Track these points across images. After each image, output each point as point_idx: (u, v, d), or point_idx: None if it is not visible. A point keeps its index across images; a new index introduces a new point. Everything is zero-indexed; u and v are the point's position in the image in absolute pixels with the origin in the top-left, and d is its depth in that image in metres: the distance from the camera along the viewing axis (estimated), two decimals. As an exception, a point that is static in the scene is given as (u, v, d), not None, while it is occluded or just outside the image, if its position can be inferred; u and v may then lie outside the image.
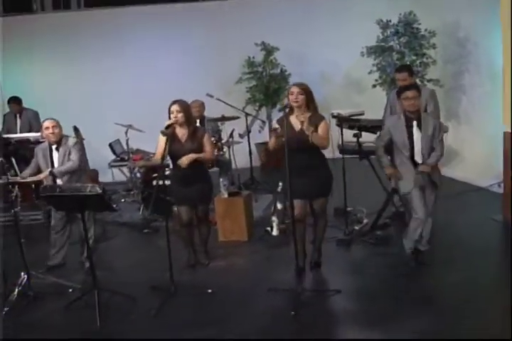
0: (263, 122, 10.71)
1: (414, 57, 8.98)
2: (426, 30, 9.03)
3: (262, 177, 9.94)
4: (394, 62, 9.09)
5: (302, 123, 5.35)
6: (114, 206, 6.25)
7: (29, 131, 9.04)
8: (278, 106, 10.64)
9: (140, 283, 5.93)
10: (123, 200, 9.07)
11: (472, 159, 9.02)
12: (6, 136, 8.97)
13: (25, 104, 9.51)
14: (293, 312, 5.00)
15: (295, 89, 5.49)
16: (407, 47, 9.01)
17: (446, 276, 5.61)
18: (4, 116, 9.72)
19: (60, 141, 6.18)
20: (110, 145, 9.07)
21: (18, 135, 8.85)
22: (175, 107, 5.89)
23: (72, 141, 6.26)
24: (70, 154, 6.14)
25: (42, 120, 6.49)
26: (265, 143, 10.77)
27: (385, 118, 7.15)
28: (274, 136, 5.49)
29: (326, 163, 5.73)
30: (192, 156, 5.86)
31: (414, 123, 5.57)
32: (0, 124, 9.74)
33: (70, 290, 5.75)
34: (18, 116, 9.48)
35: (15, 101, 9.48)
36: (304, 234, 5.85)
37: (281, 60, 10.64)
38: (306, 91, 5.50)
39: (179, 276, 5.74)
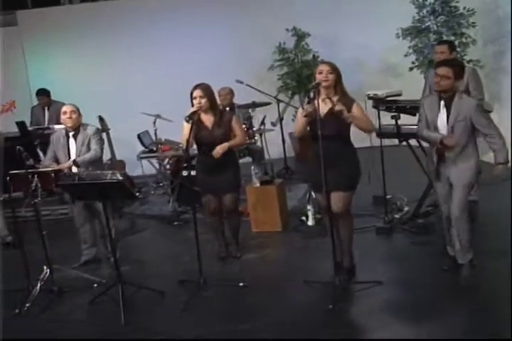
0: (297, 109, 10.32)
1: (452, 38, 8.52)
2: (464, 8, 8.57)
3: (297, 167, 9.59)
4: (431, 43, 8.64)
5: (340, 111, 4.80)
6: (138, 194, 5.96)
7: (57, 124, 8.80)
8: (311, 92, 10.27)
9: (169, 276, 5.72)
10: (153, 193, 8.81)
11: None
12: (33, 127, 8.83)
13: (53, 97, 9.30)
14: (330, 306, 4.67)
15: (324, 67, 5.00)
16: (444, 27, 8.55)
17: (494, 267, 5.20)
18: (32, 108, 9.51)
19: (78, 129, 5.93)
20: (139, 136, 8.80)
21: (47, 126, 8.70)
22: (197, 92, 5.54)
23: (91, 129, 5.99)
24: (89, 143, 5.88)
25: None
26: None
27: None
28: (300, 117, 5.01)
29: (355, 153, 5.19)
30: (225, 145, 5.55)
31: (442, 103, 4.94)
32: (28, 117, 9.51)
33: (95, 285, 5.52)
34: (46, 108, 9.28)
35: (43, 93, 9.27)
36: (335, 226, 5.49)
37: (313, 45, 10.22)
38: (336, 70, 5.01)
39: (209, 269, 5.47)
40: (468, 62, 8.42)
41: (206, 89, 5.59)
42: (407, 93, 6.74)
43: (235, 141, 5.68)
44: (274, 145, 8.88)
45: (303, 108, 5.00)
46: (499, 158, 4.93)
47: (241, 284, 5.24)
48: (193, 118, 5.38)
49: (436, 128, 4.99)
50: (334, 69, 5.00)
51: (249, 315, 4.77)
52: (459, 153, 4.91)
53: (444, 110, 4.94)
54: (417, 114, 5.39)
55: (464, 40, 8.51)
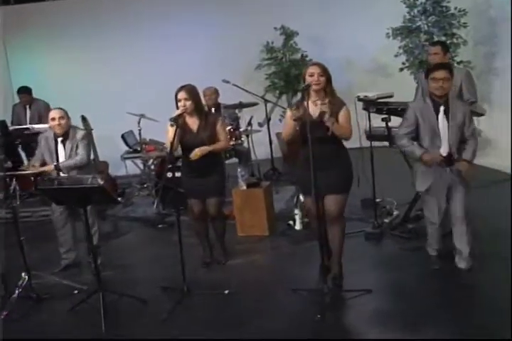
0: (284, 109, 10.15)
1: (443, 38, 8.39)
2: (456, 8, 8.45)
3: (284, 168, 9.43)
4: (422, 43, 8.53)
5: (323, 113, 4.65)
6: (119, 199, 5.78)
7: (39, 123, 8.59)
8: (299, 94, 10.09)
9: (152, 282, 5.52)
10: (137, 194, 8.61)
11: (506, 146, 8.42)
12: (14, 127, 8.60)
13: (35, 95, 9.08)
14: (319, 316, 4.49)
15: (315, 70, 4.79)
16: (436, 27, 8.42)
17: (488, 274, 5.05)
18: (13, 106, 9.30)
19: (67, 133, 5.72)
20: (123, 136, 8.62)
21: (28, 126, 8.47)
22: (182, 94, 5.34)
23: (80, 133, 5.78)
24: (77, 148, 5.69)
25: (52, 111, 6.01)
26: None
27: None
28: (289, 120, 4.84)
29: (347, 155, 5.02)
30: (206, 149, 5.36)
31: (441, 109, 4.83)
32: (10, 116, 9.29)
33: (76, 291, 5.32)
34: (27, 107, 9.07)
35: (25, 91, 9.05)
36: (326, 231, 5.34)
37: (302, 44, 10.10)
38: (326, 72, 4.82)
39: (193, 275, 5.32)
40: (459, 63, 8.32)
41: (191, 91, 5.40)
42: (397, 94, 6.60)
43: (217, 145, 5.48)
44: (261, 146, 8.72)
45: (290, 110, 4.84)
46: (468, 155, 4.91)
47: (226, 292, 5.07)
48: (178, 122, 5.20)
49: (437, 137, 4.88)
50: (325, 72, 4.81)
51: (234, 325, 4.59)
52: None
53: (444, 115, 4.83)
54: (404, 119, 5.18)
55: (454, 40, 8.40)
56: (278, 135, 9.93)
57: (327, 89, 4.85)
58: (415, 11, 8.58)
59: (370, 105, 6.09)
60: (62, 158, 5.68)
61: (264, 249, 6.25)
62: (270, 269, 5.72)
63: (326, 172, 4.72)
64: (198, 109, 5.45)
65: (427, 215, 5.18)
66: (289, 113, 4.90)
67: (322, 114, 4.67)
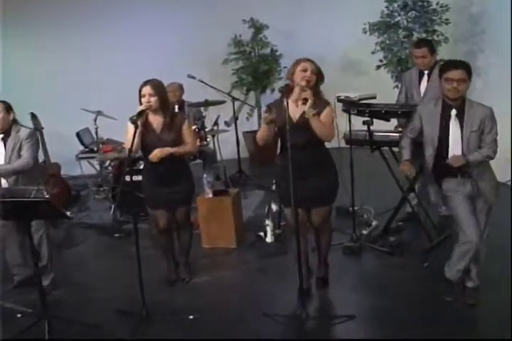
0: (252, 107, 9.59)
1: (424, 35, 7.89)
2: (437, 3, 7.95)
3: (252, 170, 8.89)
4: (401, 40, 8.01)
5: (305, 100, 4.23)
6: (68, 214, 5.15)
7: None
8: (268, 91, 9.55)
9: (109, 302, 4.90)
10: (93, 198, 7.92)
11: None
12: None
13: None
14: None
15: (310, 66, 4.37)
16: (416, 23, 7.91)
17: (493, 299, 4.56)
18: None
19: (8, 131, 4.94)
20: (78, 134, 7.94)
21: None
22: (147, 89, 4.74)
23: (25, 131, 4.95)
24: (20, 149, 4.91)
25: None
26: (253, 132, 9.77)
27: (399, 101, 6.19)
28: (264, 123, 4.36)
29: (332, 162, 4.61)
30: (167, 150, 4.77)
31: (453, 112, 4.25)
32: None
33: (19, 315, 4.66)
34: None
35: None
36: (306, 248, 4.83)
37: (272, 38, 9.46)
38: (320, 71, 4.44)
39: (154, 296, 4.75)
40: (440, 61, 7.83)
41: (157, 86, 4.80)
42: (371, 92, 6.04)
43: (182, 148, 4.88)
44: (228, 145, 8.11)
45: (268, 111, 4.33)
46: (472, 157, 4.26)
47: (191, 317, 4.48)
48: (140, 119, 4.60)
49: (434, 144, 4.34)
50: (319, 71, 4.44)
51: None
52: (474, 169, 4.32)
53: (457, 120, 4.25)
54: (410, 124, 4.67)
55: (435, 37, 7.88)
56: (245, 134, 9.40)
57: (315, 90, 4.43)
58: (395, 5, 8.05)
59: (351, 106, 5.55)
60: (1, 159, 4.92)
61: (232, 263, 5.68)
62: (239, 289, 5.12)
63: (311, 181, 4.38)
64: (163, 107, 4.85)
65: (462, 228, 4.33)
66: (264, 115, 4.40)
67: (305, 101, 4.27)
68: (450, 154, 4.31)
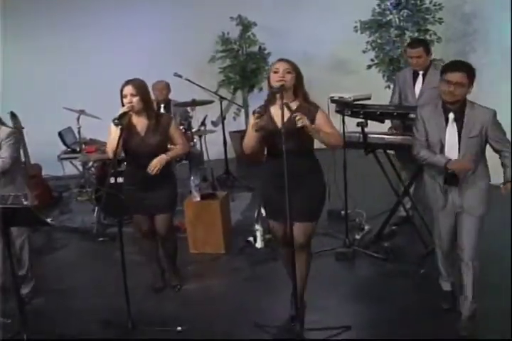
0: (240, 107, 9.37)
1: (416, 34, 7.72)
2: (431, 2, 7.77)
3: (239, 171, 8.67)
4: (392, 39, 7.83)
5: (300, 121, 3.77)
6: (49, 220, 4.89)
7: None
8: (255, 90, 9.34)
9: (91, 313, 4.65)
10: (75, 199, 7.68)
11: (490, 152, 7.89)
12: None
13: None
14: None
15: (281, 66, 3.98)
16: (409, 22, 7.72)
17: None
18: None
19: None
20: (60, 134, 7.66)
21: None
22: (128, 89, 4.50)
23: (5, 131, 4.67)
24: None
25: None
26: (240, 132, 9.55)
27: (392, 102, 6.00)
28: (253, 129, 3.97)
29: (321, 172, 4.21)
30: (165, 158, 4.55)
31: (450, 116, 3.97)
32: None
33: (-3, 326, 4.42)
34: None
35: None
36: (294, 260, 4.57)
37: (260, 36, 9.27)
38: (295, 69, 4.01)
39: (140, 305, 4.52)
40: (432, 61, 7.66)
41: (140, 86, 4.56)
42: (361, 92, 5.82)
43: (175, 151, 4.68)
44: (214, 145, 7.86)
45: (253, 117, 3.97)
46: (509, 175, 4.02)
47: (179, 328, 4.25)
48: (123, 121, 4.36)
49: (442, 148, 4.04)
50: (294, 68, 4.01)
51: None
52: (469, 176, 4.03)
53: (454, 124, 3.98)
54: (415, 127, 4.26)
55: (428, 37, 7.70)
56: (231, 134, 9.19)
57: (297, 90, 4.05)
58: (388, 3, 7.86)
59: (345, 107, 5.35)
60: None
61: (220, 270, 5.46)
62: (229, 298, 4.88)
63: (296, 193, 3.89)
64: (146, 108, 4.61)
65: (435, 239, 4.36)
66: (251, 121, 4.04)
67: (291, 113, 3.89)
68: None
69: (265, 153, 4.21)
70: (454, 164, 3.94)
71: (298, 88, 4.04)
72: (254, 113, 3.94)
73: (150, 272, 5.06)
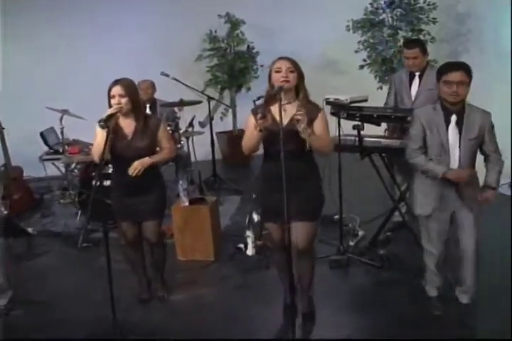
0: (228, 107, 9.15)
1: (410, 34, 7.56)
2: (425, 1, 7.61)
3: (226, 173, 8.46)
4: (385, 38, 7.66)
5: (298, 121, 3.67)
6: (30, 230, 4.65)
7: None
8: (243, 90, 9.12)
9: (75, 325, 4.40)
10: (58, 202, 7.39)
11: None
12: None
13: None
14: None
15: (283, 65, 3.84)
16: (403, 21, 7.55)
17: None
18: None
19: None
20: (42, 134, 7.40)
21: None
22: (117, 90, 4.25)
23: None
24: None
25: None
26: (227, 133, 9.38)
27: (388, 105, 5.82)
28: (253, 130, 3.83)
29: (318, 172, 4.11)
30: (148, 161, 4.31)
31: (453, 118, 3.93)
32: None
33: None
34: None
35: None
36: (291, 264, 4.38)
37: (249, 35, 9.06)
38: (297, 68, 3.89)
39: (127, 316, 4.30)
40: (430, 62, 7.53)
41: (128, 86, 4.32)
42: (352, 93, 5.63)
43: (161, 155, 4.44)
44: (200, 146, 7.59)
45: (254, 117, 3.80)
46: (491, 180, 4.07)
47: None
48: (109, 124, 4.13)
49: (442, 151, 3.99)
50: (296, 67, 3.88)
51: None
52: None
53: (456, 128, 3.93)
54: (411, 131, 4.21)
55: (421, 37, 7.54)
56: (218, 135, 8.98)
57: (299, 89, 3.92)
58: (381, 2, 7.69)
59: (341, 110, 5.14)
60: None
61: (210, 279, 5.22)
62: (220, 308, 4.64)
63: (295, 193, 3.76)
64: (135, 109, 4.37)
65: (425, 244, 4.29)
66: (252, 120, 3.88)
67: (296, 122, 3.70)
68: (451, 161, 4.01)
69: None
70: (453, 174, 3.96)
71: (300, 87, 3.92)
72: (255, 113, 3.81)
73: (136, 282, 4.82)
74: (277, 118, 3.76)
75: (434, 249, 4.22)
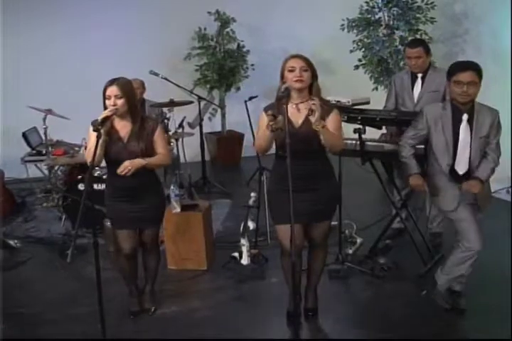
0: (217, 107, 8.89)
1: (407, 33, 7.36)
2: (423, 1, 7.41)
3: (215, 175, 8.22)
4: (382, 38, 7.44)
5: (311, 112, 3.60)
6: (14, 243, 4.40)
7: None
8: (233, 89, 8.87)
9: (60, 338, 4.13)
10: (40, 205, 7.06)
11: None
12: None
13: None
14: None
15: (297, 63, 3.76)
16: (401, 21, 7.34)
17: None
18: None
19: None
20: (24, 134, 7.10)
21: None
22: (113, 90, 3.99)
23: None
24: None
25: None
26: (216, 133, 9.14)
27: (387, 107, 5.60)
28: (268, 129, 3.65)
29: (333, 172, 4.09)
30: (139, 162, 4.04)
31: (465, 117, 3.98)
32: None
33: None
34: None
35: None
36: (300, 274, 4.18)
37: (239, 33, 8.78)
38: (312, 66, 3.80)
39: (115, 332, 3.99)
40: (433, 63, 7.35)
41: (125, 87, 4.06)
42: (346, 95, 5.42)
43: (154, 159, 4.16)
44: (188, 148, 7.34)
45: (267, 117, 3.64)
46: (482, 174, 4.08)
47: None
48: (104, 127, 3.87)
49: (449, 151, 4.05)
50: (310, 65, 3.80)
51: None
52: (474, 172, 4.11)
53: (468, 127, 3.98)
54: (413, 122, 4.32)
55: (418, 36, 7.34)
56: (207, 136, 8.73)
57: (312, 88, 3.84)
58: (378, 0, 7.47)
59: (342, 112, 4.89)
60: None
61: (203, 290, 4.92)
62: (214, 323, 4.35)
63: (311, 194, 3.90)
64: (132, 111, 4.12)
65: (465, 236, 4.09)
66: (264, 119, 3.76)
67: (310, 112, 3.64)
68: (457, 162, 4.09)
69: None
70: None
71: (313, 86, 3.86)
72: (266, 113, 3.70)
73: (125, 292, 4.54)
74: (292, 118, 3.80)
75: (471, 244, 4.03)
